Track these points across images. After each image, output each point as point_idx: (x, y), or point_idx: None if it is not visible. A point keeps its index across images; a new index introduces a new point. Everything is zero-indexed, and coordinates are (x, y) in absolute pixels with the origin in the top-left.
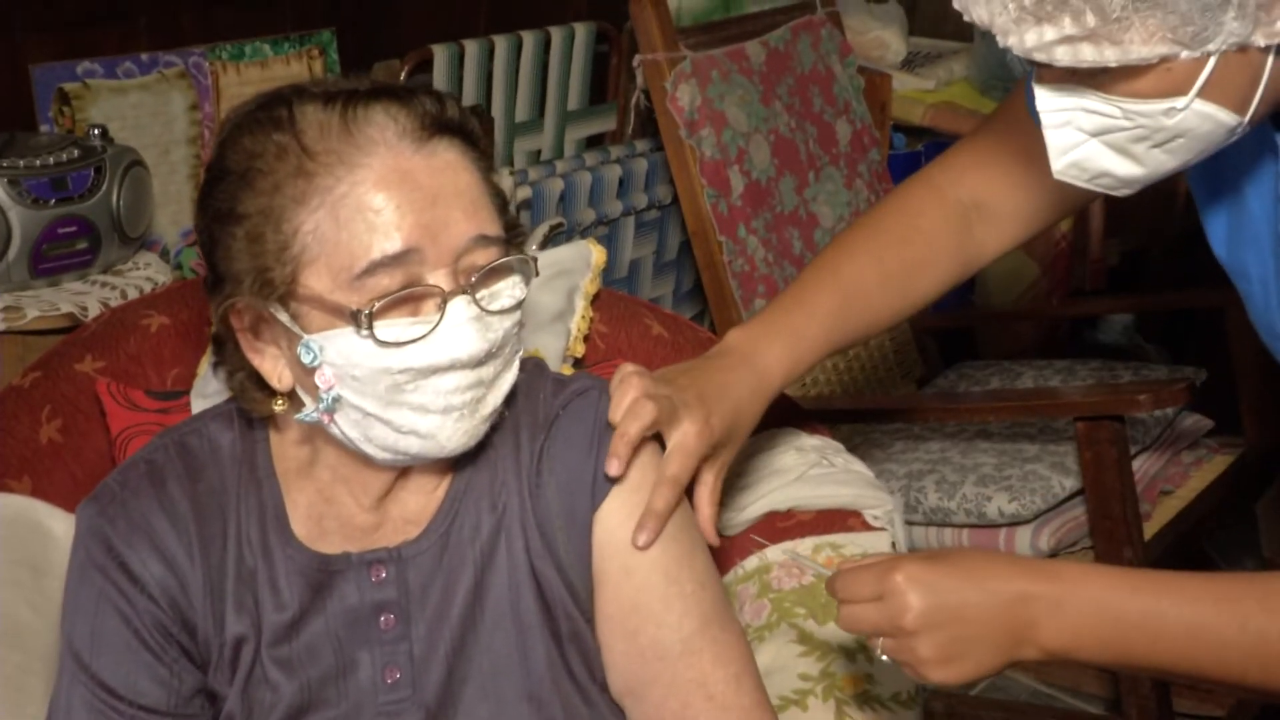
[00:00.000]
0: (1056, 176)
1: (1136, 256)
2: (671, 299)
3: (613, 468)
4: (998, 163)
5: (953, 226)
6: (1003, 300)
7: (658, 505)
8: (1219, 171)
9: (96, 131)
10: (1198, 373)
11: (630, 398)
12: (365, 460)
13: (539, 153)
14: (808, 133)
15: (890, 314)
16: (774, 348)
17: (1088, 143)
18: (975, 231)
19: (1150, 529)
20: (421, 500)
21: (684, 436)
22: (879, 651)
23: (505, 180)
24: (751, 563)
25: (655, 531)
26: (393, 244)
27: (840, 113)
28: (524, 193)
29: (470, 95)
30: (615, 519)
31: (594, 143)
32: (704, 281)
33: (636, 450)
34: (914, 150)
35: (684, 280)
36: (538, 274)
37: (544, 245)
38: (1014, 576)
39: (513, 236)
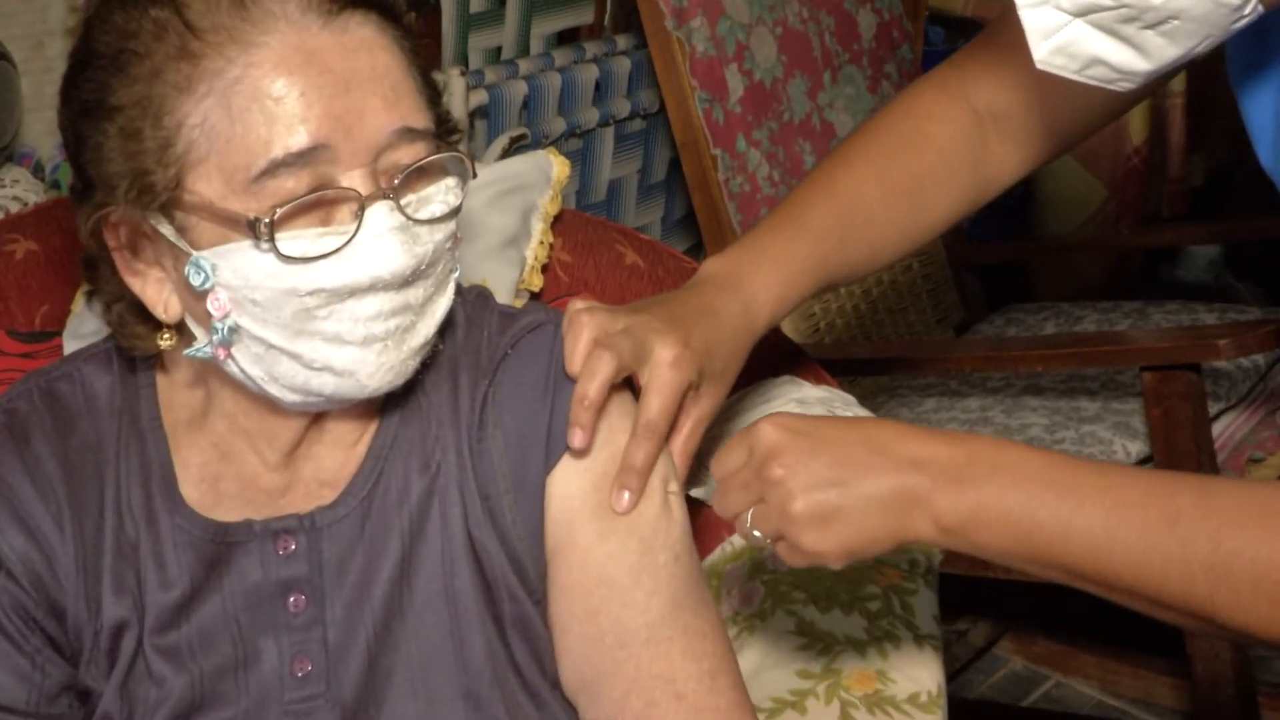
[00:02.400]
0: (1040, 66)
1: (1225, 176)
2: (660, 228)
3: (576, 439)
4: (1017, 64)
5: (966, 136)
6: (1062, 229)
7: (636, 459)
8: (1263, 63)
9: None
10: None
11: (585, 343)
12: (270, 406)
13: (499, 50)
14: (823, 24)
15: (897, 236)
16: (759, 271)
17: (1072, 24)
18: (992, 145)
19: None
20: (339, 457)
21: (659, 369)
22: (749, 526)
23: (456, 82)
24: (742, 541)
25: (638, 491)
26: (297, 139)
27: (864, 0)
28: (479, 98)
29: None
30: (574, 480)
31: (566, 38)
32: (695, 205)
33: (602, 410)
34: (953, 47)
35: (675, 206)
36: (475, 175)
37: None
38: (909, 437)
39: (444, 131)
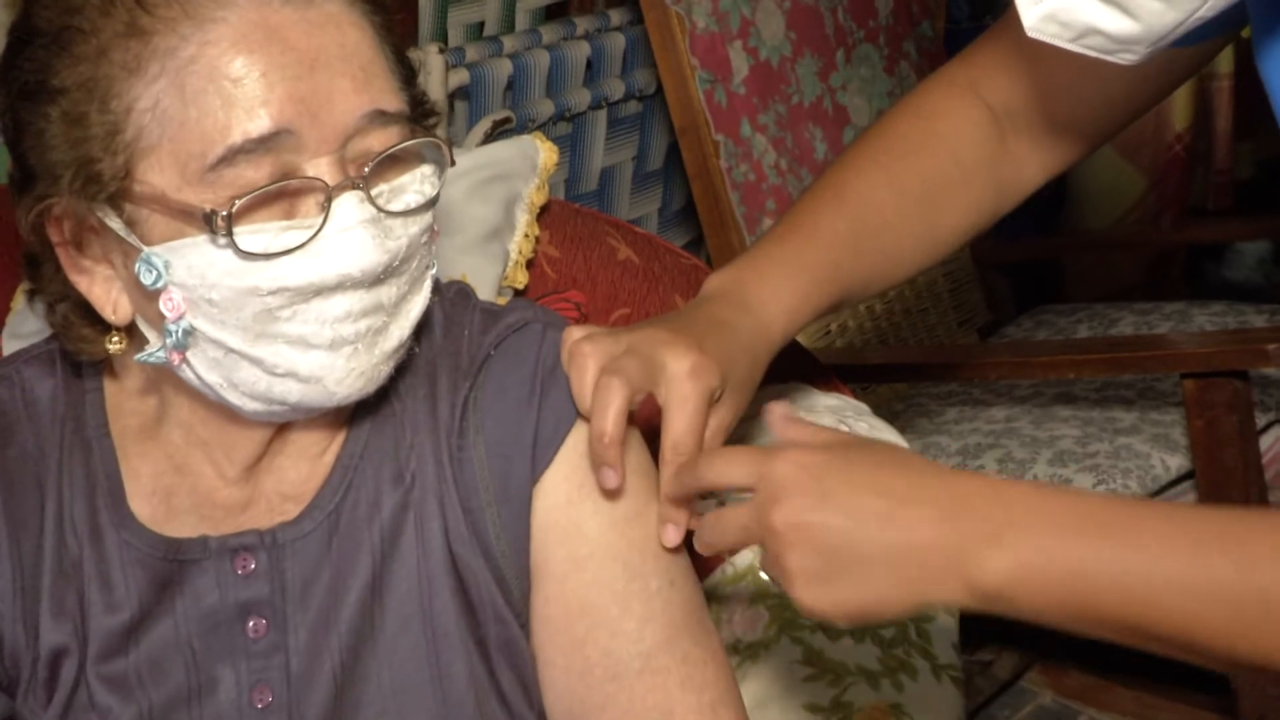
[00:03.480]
0: (1031, 34)
1: (1276, 166)
2: (656, 220)
3: (607, 480)
4: (1030, 55)
5: (981, 135)
6: (1097, 223)
7: (671, 489)
8: None
9: None
10: None
11: (591, 374)
12: (229, 415)
13: (480, 26)
14: None
15: (914, 245)
16: (768, 283)
17: None
18: (1010, 145)
19: None
20: (304, 468)
21: (676, 382)
22: (758, 566)
23: (434, 60)
24: (744, 559)
25: (682, 524)
26: (258, 124)
27: None
28: (459, 78)
29: None
30: (561, 491)
31: (554, 13)
32: (695, 195)
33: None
34: (980, 25)
35: (673, 196)
36: (453, 162)
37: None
38: (935, 484)
39: (420, 114)
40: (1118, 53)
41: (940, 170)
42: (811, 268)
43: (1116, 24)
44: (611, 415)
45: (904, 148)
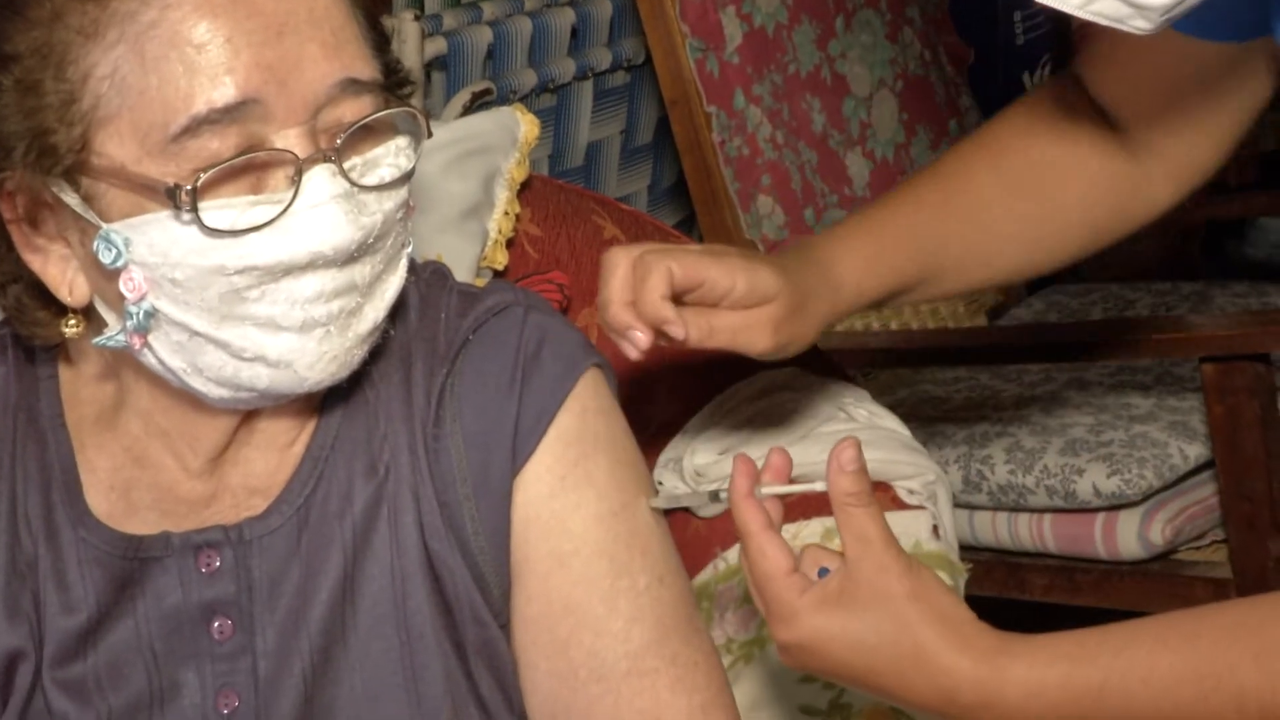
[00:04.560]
0: (1038, 2)
1: None
2: (646, 197)
3: (636, 343)
4: (1136, 49)
5: (1098, 131)
6: None
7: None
8: None
9: None
10: None
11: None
12: (193, 402)
13: None
14: None
15: (1015, 234)
16: (832, 239)
17: None
18: (1136, 151)
19: None
20: (272, 460)
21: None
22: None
23: (409, 28)
24: (736, 555)
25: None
26: (222, 92)
27: None
28: (436, 46)
29: None
30: (544, 483)
31: None
32: (686, 170)
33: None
34: None
35: (663, 172)
36: (430, 134)
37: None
38: (939, 652)
39: (394, 83)
40: (1129, 19)
41: (1053, 158)
42: (889, 226)
43: None
44: (613, 282)
45: (1010, 134)
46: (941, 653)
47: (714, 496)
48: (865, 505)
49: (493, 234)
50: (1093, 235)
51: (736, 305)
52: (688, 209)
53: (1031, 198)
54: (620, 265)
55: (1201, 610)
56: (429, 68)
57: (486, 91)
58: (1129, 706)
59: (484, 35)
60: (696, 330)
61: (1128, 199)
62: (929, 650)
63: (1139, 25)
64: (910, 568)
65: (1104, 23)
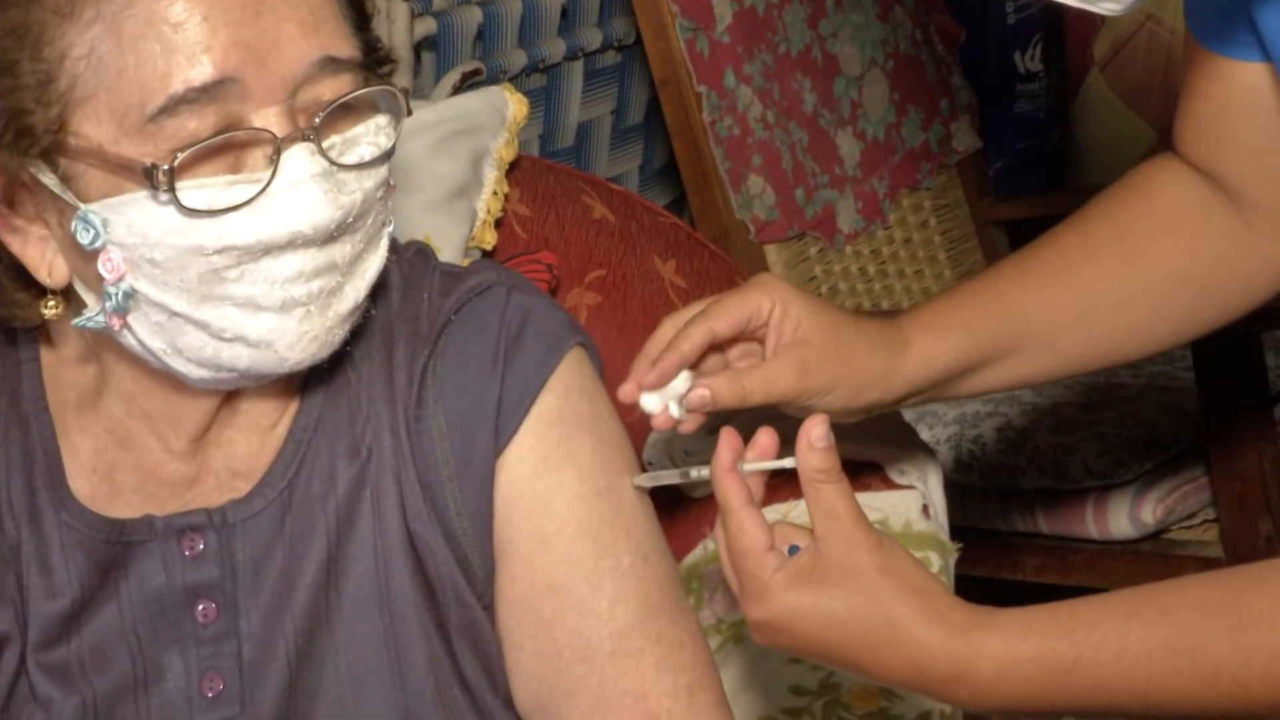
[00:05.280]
0: None
1: None
2: (637, 178)
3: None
4: (1219, 110)
5: (1192, 191)
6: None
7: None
8: None
9: None
10: None
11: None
12: (174, 384)
13: None
14: None
15: (1109, 295)
16: (915, 308)
17: None
18: (1240, 208)
19: None
20: (254, 442)
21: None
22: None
23: (398, 8)
24: None
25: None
26: (200, 71)
27: None
28: (425, 26)
29: None
30: (526, 464)
31: None
32: (676, 150)
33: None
34: None
35: (654, 152)
36: (410, 112)
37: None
38: (912, 628)
39: (374, 61)
40: (1100, 1)
41: (1136, 214)
42: (965, 289)
43: None
44: (654, 337)
45: (1097, 203)
46: (915, 626)
47: (687, 475)
48: (834, 482)
49: (481, 214)
50: (1205, 296)
51: (778, 329)
52: (679, 189)
53: (1114, 253)
54: (665, 326)
55: (1174, 584)
56: (419, 48)
57: (476, 72)
58: (1102, 680)
59: (474, 15)
60: (730, 392)
61: (1236, 256)
62: (902, 624)
63: (1108, 7)
64: (880, 543)
65: (1075, 5)
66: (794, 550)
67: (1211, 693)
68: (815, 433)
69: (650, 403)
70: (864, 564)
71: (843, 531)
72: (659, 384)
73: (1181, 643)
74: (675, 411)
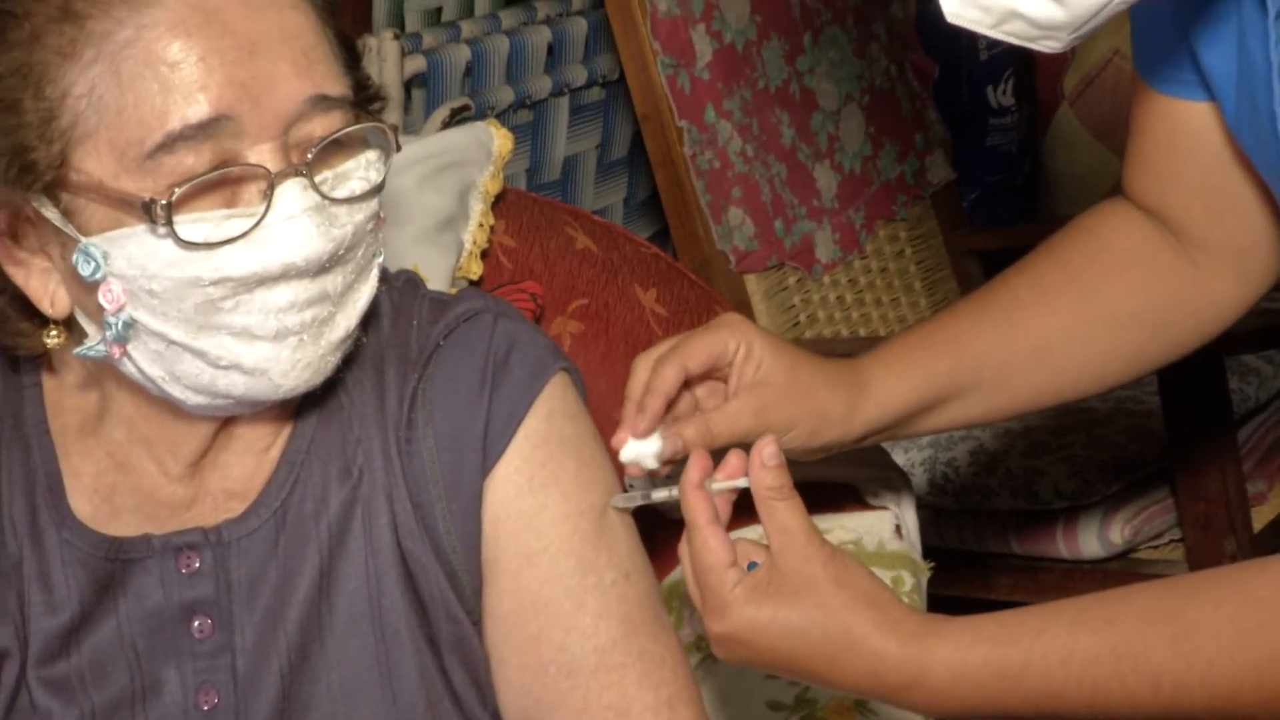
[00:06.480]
0: (951, 20)
1: None
2: (622, 210)
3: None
4: (1164, 150)
5: (1140, 231)
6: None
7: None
8: (1220, 9)
9: None
10: None
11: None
12: (172, 410)
13: (438, 11)
14: None
15: (1062, 334)
16: (875, 349)
17: None
18: (1186, 247)
19: (1263, 516)
20: (249, 464)
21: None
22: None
23: (389, 47)
24: None
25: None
26: (197, 109)
27: None
28: (415, 65)
29: None
30: (513, 484)
31: None
32: (659, 183)
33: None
34: None
35: (638, 185)
36: (399, 147)
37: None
38: (868, 637)
39: (365, 99)
40: (1039, 39)
41: (1087, 256)
42: (923, 330)
43: (1037, 7)
44: (632, 380)
45: (1046, 246)
46: (870, 635)
47: (661, 497)
48: (787, 499)
49: (468, 245)
50: (1157, 333)
51: (740, 369)
52: (663, 221)
53: (1065, 293)
54: (640, 367)
55: (1119, 593)
56: (409, 85)
57: (465, 108)
58: (1049, 686)
59: (462, 53)
60: (699, 438)
61: (1186, 294)
62: (857, 633)
63: (1049, 45)
64: (833, 556)
65: (1015, 43)
66: (753, 567)
67: (1154, 698)
68: (766, 452)
69: (629, 456)
70: (819, 576)
71: (797, 546)
72: (651, 429)
73: (1125, 649)
74: (651, 465)
